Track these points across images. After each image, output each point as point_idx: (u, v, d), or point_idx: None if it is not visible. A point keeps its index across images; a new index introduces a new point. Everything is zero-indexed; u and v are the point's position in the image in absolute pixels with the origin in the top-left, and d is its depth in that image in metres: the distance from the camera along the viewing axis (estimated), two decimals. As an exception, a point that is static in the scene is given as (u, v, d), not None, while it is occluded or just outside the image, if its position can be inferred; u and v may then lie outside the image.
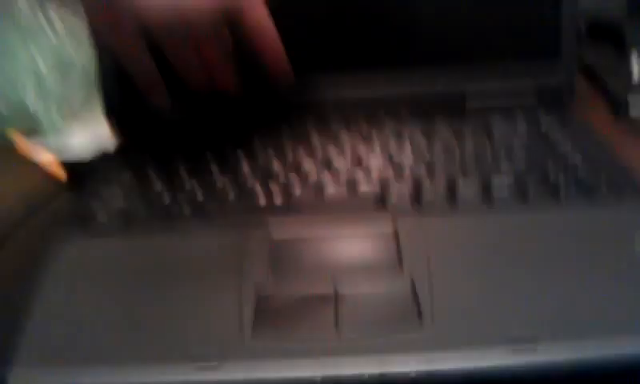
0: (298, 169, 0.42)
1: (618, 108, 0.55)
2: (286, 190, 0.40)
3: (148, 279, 0.34)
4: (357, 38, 0.48)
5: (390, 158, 0.43)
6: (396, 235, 0.35)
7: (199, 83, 0.44)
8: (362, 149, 0.44)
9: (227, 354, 0.29)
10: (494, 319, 0.29)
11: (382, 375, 0.27)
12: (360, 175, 0.41)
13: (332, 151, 0.44)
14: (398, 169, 0.42)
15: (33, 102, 0.56)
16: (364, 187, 0.40)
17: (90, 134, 0.59)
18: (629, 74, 0.60)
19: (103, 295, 0.33)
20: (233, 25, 0.41)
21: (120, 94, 0.49)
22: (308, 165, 0.43)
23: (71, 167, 0.50)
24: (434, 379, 0.27)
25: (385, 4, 0.48)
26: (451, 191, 0.39)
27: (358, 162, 0.43)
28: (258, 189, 0.40)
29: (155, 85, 0.43)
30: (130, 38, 0.41)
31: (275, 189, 0.40)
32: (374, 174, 0.41)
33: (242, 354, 0.29)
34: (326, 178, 0.41)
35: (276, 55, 0.43)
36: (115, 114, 0.50)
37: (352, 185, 0.40)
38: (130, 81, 0.42)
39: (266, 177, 0.42)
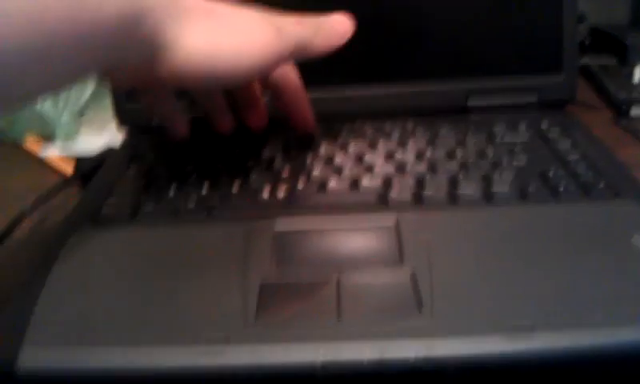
0: (301, 165, 0.43)
1: (619, 111, 0.56)
2: (290, 185, 0.41)
3: (154, 268, 0.34)
4: (366, 50, 0.49)
5: (392, 156, 0.44)
6: (397, 228, 0.35)
7: (227, 128, 0.46)
8: (365, 147, 0.45)
9: (231, 339, 0.29)
10: (493, 308, 0.30)
11: (381, 360, 0.28)
12: (362, 171, 0.42)
13: (335, 149, 0.45)
14: (400, 166, 0.42)
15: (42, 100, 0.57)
16: (366, 183, 0.40)
17: (97, 131, 0.59)
18: (630, 79, 0.61)
19: (110, 283, 0.33)
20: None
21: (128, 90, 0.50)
22: (311, 161, 0.44)
23: (79, 163, 0.51)
24: (433, 365, 0.28)
25: (391, 18, 0.49)
26: (452, 187, 0.39)
27: (360, 159, 0.44)
28: (262, 184, 0.41)
29: (176, 122, 0.45)
30: (162, 98, 0.43)
31: (279, 184, 0.41)
32: (377, 171, 0.42)
33: (246, 339, 0.29)
34: (329, 173, 0.42)
35: (305, 117, 0.46)
36: (123, 109, 0.51)
37: (354, 180, 0.41)
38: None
39: (270, 172, 0.43)
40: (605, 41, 0.69)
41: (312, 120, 0.46)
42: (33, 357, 0.29)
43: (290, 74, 0.43)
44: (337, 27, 0.40)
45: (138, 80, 0.36)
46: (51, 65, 0.27)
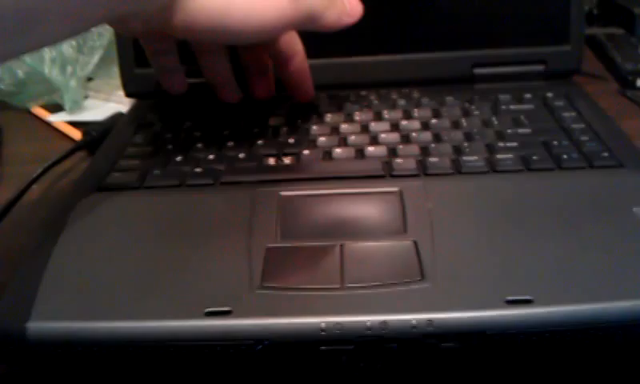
0: (307, 133, 0.44)
1: (626, 82, 0.56)
2: (295, 153, 0.41)
3: (161, 233, 0.35)
4: (372, 18, 0.49)
5: (397, 125, 0.44)
6: (401, 195, 0.36)
7: (233, 99, 0.46)
8: (370, 116, 0.45)
9: (237, 302, 0.29)
10: (494, 276, 0.30)
11: (383, 323, 0.28)
12: (368, 140, 0.42)
13: (341, 118, 0.45)
14: (405, 135, 0.43)
15: (49, 65, 0.57)
16: (371, 151, 0.41)
17: (104, 98, 0.60)
18: (637, 50, 0.60)
19: (118, 250, 0.34)
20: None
21: (135, 55, 0.50)
22: (317, 130, 0.44)
23: (87, 129, 0.51)
24: (435, 328, 0.28)
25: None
26: (457, 156, 0.39)
27: (366, 128, 0.44)
28: (268, 151, 0.41)
29: (176, 76, 0.45)
30: (167, 50, 0.43)
31: (284, 151, 0.41)
32: (382, 140, 0.42)
33: (251, 302, 0.30)
34: (335, 142, 0.42)
35: (306, 86, 0.46)
36: (130, 75, 0.51)
37: (360, 149, 0.41)
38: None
39: (276, 140, 0.43)
40: (613, 11, 0.68)
41: (312, 89, 0.46)
42: (41, 326, 0.29)
43: (297, 44, 0.43)
44: (349, 6, 0.40)
45: (150, 30, 0.36)
46: (72, 8, 0.28)
